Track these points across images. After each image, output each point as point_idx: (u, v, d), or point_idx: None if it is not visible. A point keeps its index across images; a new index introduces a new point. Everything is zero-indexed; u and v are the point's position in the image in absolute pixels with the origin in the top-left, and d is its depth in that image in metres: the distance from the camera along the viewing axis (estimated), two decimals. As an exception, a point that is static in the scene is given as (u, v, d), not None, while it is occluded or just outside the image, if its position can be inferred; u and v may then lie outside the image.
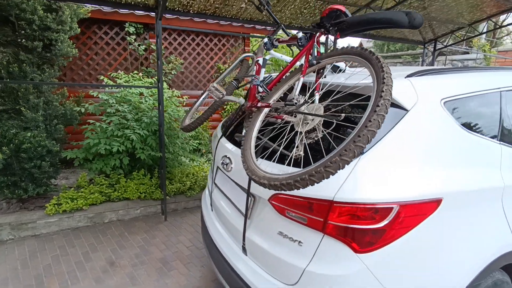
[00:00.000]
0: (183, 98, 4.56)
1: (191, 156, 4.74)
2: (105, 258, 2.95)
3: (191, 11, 3.48)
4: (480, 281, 1.48)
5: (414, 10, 1.29)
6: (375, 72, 1.14)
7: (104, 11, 4.37)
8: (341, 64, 1.76)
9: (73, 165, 3.96)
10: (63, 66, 3.94)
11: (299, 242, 1.43)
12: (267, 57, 2.19)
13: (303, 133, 1.28)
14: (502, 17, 4.74)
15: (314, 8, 3.81)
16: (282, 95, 1.62)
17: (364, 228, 1.28)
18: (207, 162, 5.21)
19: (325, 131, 1.27)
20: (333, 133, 1.29)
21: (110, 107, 3.72)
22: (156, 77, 4.52)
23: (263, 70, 2.02)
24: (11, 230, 3.21)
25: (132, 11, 4.49)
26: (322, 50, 1.62)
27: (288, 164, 1.43)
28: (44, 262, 2.85)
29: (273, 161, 1.49)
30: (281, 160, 1.51)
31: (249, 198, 1.69)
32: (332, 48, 1.68)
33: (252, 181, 1.65)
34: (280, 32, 2.14)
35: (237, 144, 1.96)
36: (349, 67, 1.73)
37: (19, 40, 3.30)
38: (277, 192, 1.48)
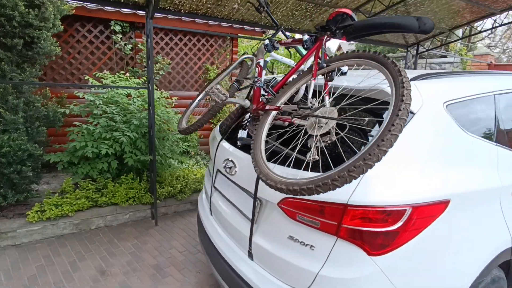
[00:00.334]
0: (172, 99, 4.46)
1: (180, 158, 4.64)
2: (95, 266, 2.82)
3: (182, 11, 3.40)
4: (482, 278, 1.53)
5: (424, 16, 1.30)
6: (392, 76, 1.15)
7: (88, 8, 4.20)
8: (344, 67, 1.77)
9: (56, 169, 3.77)
10: (43, 65, 3.74)
11: (311, 246, 1.42)
12: (268, 59, 2.17)
13: (318, 137, 1.26)
14: (478, 23, 4.96)
15: (305, 11, 3.83)
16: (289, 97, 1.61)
17: (378, 231, 1.29)
18: (196, 164, 5.12)
19: (339, 134, 1.27)
20: (350, 136, 1.29)
21: (97, 109, 3.57)
22: (144, 77, 4.40)
23: (263, 72, 2.00)
24: (-10, 240, 3.01)
25: (118, 9, 4.34)
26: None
27: (293, 167, 1.43)
28: (28, 273, 2.69)
29: (276, 164, 1.48)
30: (283, 162, 1.51)
31: (256, 202, 1.66)
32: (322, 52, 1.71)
33: (258, 185, 1.63)
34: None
35: (240, 147, 1.92)
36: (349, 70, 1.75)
37: (-3, 37, 3.10)
38: (287, 196, 1.47)
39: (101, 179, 3.66)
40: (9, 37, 3.11)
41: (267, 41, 2.08)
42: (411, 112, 1.43)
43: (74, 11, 3.56)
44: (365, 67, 1.40)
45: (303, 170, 1.37)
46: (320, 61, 1.46)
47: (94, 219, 3.47)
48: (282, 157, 1.52)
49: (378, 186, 1.29)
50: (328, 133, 1.30)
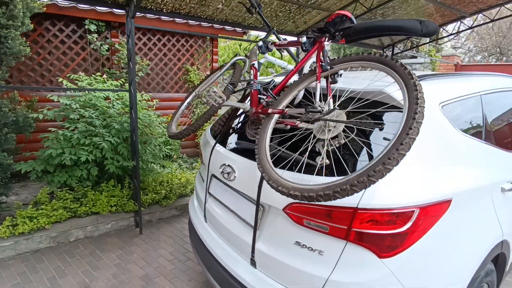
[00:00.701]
0: (153, 101, 4.29)
1: (162, 162, 4.48)
2: (77, 282, 2.64)
3: (164, 10, 3.28)
4: (480, 272, 1.59)
5: (428, 19, 1.32)
6: (403, 79, 1.16)
7: (59, 6, 3.93)
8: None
9: (26, 178, 3.50)
10: (9, 67, 3.46)
11: (320, 251, 1.40)
12: (262, 60, 2.13)
13: (327, 140, 1.25)
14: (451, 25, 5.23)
15: (289, 12, 3.84)
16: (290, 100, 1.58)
17: (389, 233, 1.29)
18: (179, 168, 4.98)
19: (348, 137, 1.26)
20: (360, 139, 1.28)
21: (74, 113, 3.35)
22: (122, 79, 4.21)
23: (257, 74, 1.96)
24: (-45, 259, 2.73)
25: (93, 8, 4.11)
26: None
27: (296, 172, 1.40)
28: (3, 293, 2.47)
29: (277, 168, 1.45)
30: (287, 167, 1.48)
31: (259, 208, 1.61)
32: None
33: (261, 190, 1.59)
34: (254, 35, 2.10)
35: (238, 151, 1.87)
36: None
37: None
38: (293, 201, 1.44)
39: (79, 188, 3.44)
40: (-28, 36, 2.84)
41: (261, 43, 2.05)
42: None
43: (45, 8, 3.32)
44: (362, 69, 1.41)
45: (311, 174, 1.35)
46: (323, 64, 1.45)
47: (73, 230, 3.25)
48: (284, 161, 1.49)
49: (386, 188, 1.29)
50: (336, 136, 1.29)
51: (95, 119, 3.31)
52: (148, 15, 4.51)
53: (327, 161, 1.24)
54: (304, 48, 1.68)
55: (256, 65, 1.99)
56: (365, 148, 1.31)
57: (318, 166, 1.25)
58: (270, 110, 1.53)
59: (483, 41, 14.79)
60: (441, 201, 1.38)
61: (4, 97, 3.43)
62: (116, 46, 4.56)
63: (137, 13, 3.82)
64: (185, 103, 2.49)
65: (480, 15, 4.70)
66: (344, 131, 1.28)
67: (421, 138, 1.44)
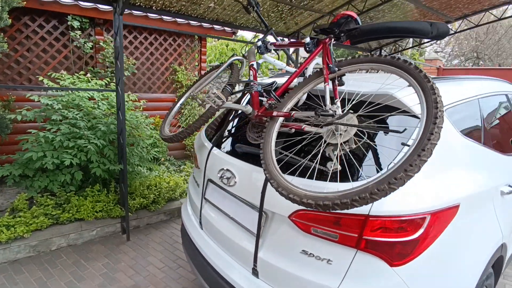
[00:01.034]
0: (140, 102, 4.14)
1: (149, 165, 4.32)
2: (61, 294, 2.47)
3: (154, 7, 3.16)
4: (484, 275, 1.59)
5: (439, 22, 1.30)
6: (419, 82, 1.12)
7: (40, 0, 3.71)
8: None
9: (5, 183, 3.27)
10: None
11: (328, 260, 1.34)
12: (260, 61, 2.06)
13: (339, 145, 1.19)
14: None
15: (281, 13, 3.79)
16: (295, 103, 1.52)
17: (400, 241, 1.25)
18: (167, 170, 4.83)
19: (360, 141, 1.21)
20: (372, 143, 1.23)
21: (56, 113, 3.16)
22: (107, 78, 4.03)
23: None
24: None
25: (76, 3, 3.91)
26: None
27: (306, 177, 1.35)
28: (-23, 310, 2.27)
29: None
30: (292, 172, 1.42)
31: (262, 216, 1.54)
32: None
33: (264, 197, 1.52)
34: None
35: (238, 155, 1.79)
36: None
37: None
38: (299, 208, 1.38)
39: (62, 193, 3.25)
40: None
41: (259, 43, 1.98)
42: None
43: (25, 3, 3.12)
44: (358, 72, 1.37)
45: (322, 181, 1.29)
46: (331, 65, 1.39)
47: (55, 238, 3.06)
48: (289, 167, 1.43)
49: (398, 194, 1.25)
50: (346, 140, 1.24)
51: (79, 120, 3.13)
52: (135, 12, 4.34)
53: (339, 166, 1.18)
54: (307, 49, 1.63)
55: (255, 66, 1.92)
56: (378, 153, 1.27)
57: (330, 171, 1.20)
58: (275, 113, 1.46)
59: (461, 46, 15.39)
60: (450, 206, 1.36)
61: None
62: (101, 44, 4.37)
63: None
64: (178, 104, 2.38)
65: (465, 20, 4.84)
66: (355, 135, 1.23)
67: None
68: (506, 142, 2.18)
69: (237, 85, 1.95)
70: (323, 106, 1.31)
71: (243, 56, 2.11)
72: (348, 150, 1.24)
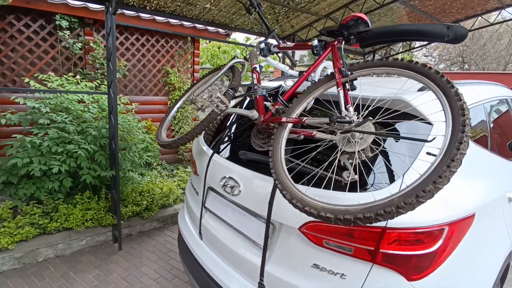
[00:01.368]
0: (131, 105, 4.00)
1: (141, 170, 4.18)
2: (49, 310, 2.32)
3: (148, 8, 3.05)
4: (496, 283, 1.55)
5: (456, 24, 1.25)
6: (441, 88, 1.06)
7: (26, -2, 3.55)
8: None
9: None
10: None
11: (342, 275, 1.27)
12: (263, 63, 1.99)
13: (357, 153, 1.12)
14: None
15: (278, 15, 3.74)
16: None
17: (419, 254, 1.19)
18: (159, 175, 4.69)
19: (376, 149, 1.14)
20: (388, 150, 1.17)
21: (43, 117, 3.00)
22: (98, 80, 3.89)
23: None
24: None
25: (65, 1, 3.76)
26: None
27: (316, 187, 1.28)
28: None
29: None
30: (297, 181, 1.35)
31: (269, 227, 1.46)
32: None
33: (272, 207, 1.44)
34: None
35: (242, 163, 1.70)
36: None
37: None
38: (310, 219, 1.30)
39: (49, 201, 3.09)
40: None
41: (263, 45, 1.90)
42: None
43: (11, 0, 2.96)
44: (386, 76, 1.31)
45: (339, 191, 1.22)
46: (343, 69, 1.33)
47: (42, 249, 2.89)
48: (298, 175, 1.35)
49: (416, 205, 1.19)
50: (362, 148, 1.17)
51: (68, 124, 2.98)
52: (127, 13, 4.21)
53: (355, 176, 1.11)
54: (315, 51, 1.56)
55: (258, 69, 1.84)
56: (391, 161, 1.21)
57: (348, 181, 1.13)
58: (284, 119, 1.38)
59: (449, 51, 15.74)
60: (467, 216, 1.31)
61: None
62: (91, 44, 4.21)
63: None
64: (175, 108, 2.29)
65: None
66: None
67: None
68: (506, 147, 2.17)
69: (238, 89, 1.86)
70: (338, 112, 1.24)
71: (245, 58, 2.03)
72: (364, 158, 1.17)
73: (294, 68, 2.21)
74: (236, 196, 1.62)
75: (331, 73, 1.41)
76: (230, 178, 1.67)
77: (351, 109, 1.29)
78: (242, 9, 3.46)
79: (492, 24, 4.65)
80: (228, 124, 2.13)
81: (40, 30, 3.97)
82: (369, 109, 1.23)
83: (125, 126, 3.49)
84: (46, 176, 2.99)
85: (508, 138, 2.32)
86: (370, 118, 1.14)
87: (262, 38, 2.01)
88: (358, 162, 1.17)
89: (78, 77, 3.69)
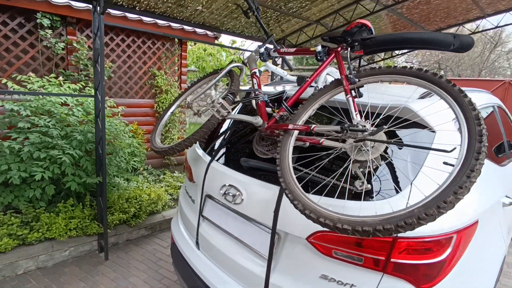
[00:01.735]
0: (118, 108, 3.86)
1: (126, 175, 4.02)
2: (31, 327, 2.17)
3: (137, 8, 2.95)
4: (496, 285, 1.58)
5: (463, 34, 1.26)
6: (453, 97, 1.07)
7: (5, -5, 3.34)
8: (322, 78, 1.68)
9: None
10: None
11: (352, 285, 1.24)
12: (262, 68, 1.96)
13: (369, 162, 1.11)
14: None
15: (269, 19, 3.72)
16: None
17: (428, 263, 1.19)
18: (146, 181, 4.54)
19: (388, 158, 1.13)
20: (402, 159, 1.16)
21: (23, 120, 2.83)
22: (82, 82, 3.72)
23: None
24: None
25: (48, -1, 3.58)
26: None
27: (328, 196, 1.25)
28: None
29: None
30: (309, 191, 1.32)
31: (275, 237, 1.42)
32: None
33: (278, 216, 1.40)
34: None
35: (244, 170, 1.65)
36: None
37: None
38: (318, 229, 1.27)
39: (29, 210, 2.90)
40: None
41: (262, 50, 1.87)
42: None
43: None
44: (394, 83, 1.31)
45: (352, 200, 1.19)
46: (350, 76, 1.31)
47: (21, 261, 2.71)
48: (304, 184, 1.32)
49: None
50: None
51: (52, 128, 2.82)
52: (113, 12, 4.06)
53: (368, 185, 1.10)
54: (318, 57, 1.54)
55: (258, 74, 1.81)
56: (396, 169, 1.21)
57: (363, 191, 1.10)
58: (291, 126, 1.35)
59: (429, 57, 16.35)
60: (472, 223, 1.32)
61: None
62: (74, 44, 4.03)
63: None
64: (169, 113, 2.21)
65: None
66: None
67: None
68: (492, 152, 2.24)
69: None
70: (348, 120, 1.22)
71: (243, 63, 1.99)
72: (374, 167, 1.15)
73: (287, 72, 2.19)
74: (238, 205, 1.57)
75: (337, 79, 1.39)
76: (231, 186, 1.61)
77: (359, 116, 1.27)
78: (233, 12, 3.42)
79: (473, 33, 4.87)
80: (224, 130, 2.08)
81: (19, 28, 3.76)
82: (380, 117, 1.22)
83: (112, 130, 3.35)
84: (26, 184, 2.81)
85: (492, 144, 2.40)
86: (384, 126, 1.12)
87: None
88: (371, 171, 1.16)
89: (60, 78, 3.52)
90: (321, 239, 1.29)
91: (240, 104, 2.05)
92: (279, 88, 1.91)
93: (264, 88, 1.99)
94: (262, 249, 1.49)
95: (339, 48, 1.52)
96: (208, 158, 1.88)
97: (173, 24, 4.76)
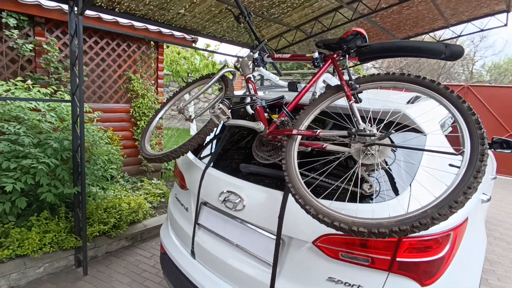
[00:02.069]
0: (93, 113, 3.66)
1: (102, 184, 3.81)
2: None
3: (117, 10, 2.84)
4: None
5: (454, 44, 1.35)
6: (453, 103, 1.13)
7: (-36, -9, 3.06)
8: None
9: None
10: None
11: (359, 286, 1.27)
12: (255, 73, 1.96)
13: (376, 165, 1.14)
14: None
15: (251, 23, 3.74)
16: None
17: (430, 260, 1.25)
18: (123, 189, 4.34)
19: (392, 161, 1.18)
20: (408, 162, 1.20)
21: (-12, 128, 2.60)
22: (53, 86, 3.50)
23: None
24: None
25: (13, -3, 3.33)
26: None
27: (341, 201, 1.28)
28: None
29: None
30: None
31: (280, 242, 1.42)
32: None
33: (283, 222, 1.40)
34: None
35: (244, 176, 1.63)
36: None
37: None
38: (325, 233, 1.29)
39: (-3, 225, 2.66)
40: None
41: (256, 55, 1.88)
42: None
43: None
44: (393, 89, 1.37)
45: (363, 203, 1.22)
46: (351, 82, 1.36)
47: (-11, 282, 2.47)
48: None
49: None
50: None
51: (22, 135, 2.62)
52: (87, 13, 3.86)
53: (377, 188, 1.13)
54: (315, 64, 1.58)
55: (252, 79, 1.81)
56: (395, 172, 1.26)
57: (374, 194, 1.14)
58: (294, 131, 1.36)
59: (396, 63, 17.26)
60: (464, 220, 1.41)
61: None
62: (44, 46, 3.77)
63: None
64: (157, 118, 2.14)
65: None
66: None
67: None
68: None
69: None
70: (352, 125, 1.26)
71: (235, 68, 1.98)
72: (377, 170, 1.20)
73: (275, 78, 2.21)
74: (240, 212, 1.55)
75: (338, 85, 1.43)
76: (231, 192, 1.59)
77: (361, 121, 1.32)
78: (216, 16, 3.40)
79: (438, 42, 5.24)
80: (218, 135, 2.05)
81: (-21, 27, 3.46)
82: (384, 123, 1.27)
83: (89, 137, 3.17)
84: (-8, 196, 2.58)
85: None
86: (393, 131, 1.17)
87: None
88: (379, 173, 1.20)
89: (29, 82, 3.28)
90: (328, 242, 1.31)
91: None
92: (271, 94, 1.92)
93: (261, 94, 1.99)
94: (265, 255, 1.48)
95: (335, 55, 1.56)
96: (203, 165, 1.84)
97: (149, 27, 4.64)
